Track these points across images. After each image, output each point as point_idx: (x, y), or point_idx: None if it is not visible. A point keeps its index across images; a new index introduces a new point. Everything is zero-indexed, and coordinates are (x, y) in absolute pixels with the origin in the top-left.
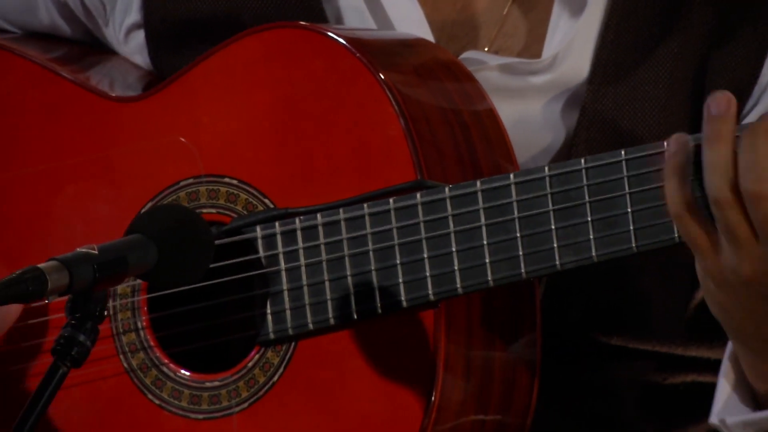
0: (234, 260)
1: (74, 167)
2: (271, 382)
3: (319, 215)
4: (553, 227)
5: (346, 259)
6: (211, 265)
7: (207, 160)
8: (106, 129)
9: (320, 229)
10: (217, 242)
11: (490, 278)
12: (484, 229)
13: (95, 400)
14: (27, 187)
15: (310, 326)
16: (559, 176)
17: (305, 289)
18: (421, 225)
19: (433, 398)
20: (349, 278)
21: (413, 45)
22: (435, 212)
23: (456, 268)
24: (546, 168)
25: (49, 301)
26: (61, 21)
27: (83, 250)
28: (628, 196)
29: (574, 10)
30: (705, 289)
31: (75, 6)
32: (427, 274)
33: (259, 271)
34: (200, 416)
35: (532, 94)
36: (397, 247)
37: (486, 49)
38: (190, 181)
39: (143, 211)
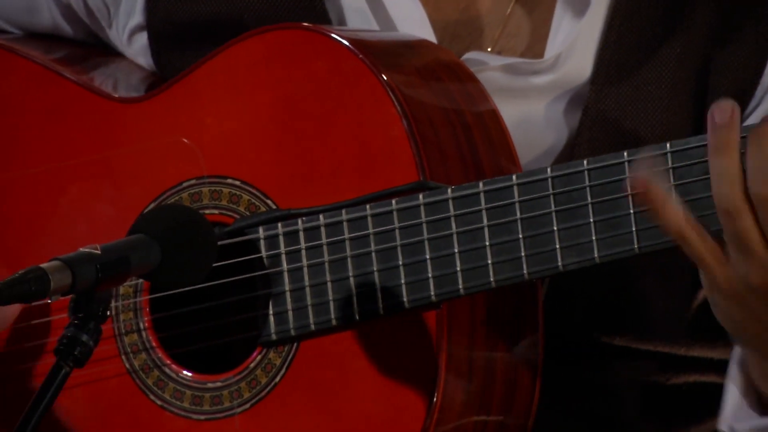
0: (236, 260)
1: (77, 167)
2: (273, 383)
3: (321, 216)
4: (555, 228)
5: (349, 260)
6: (214, 266)
7: (210, 161)
8: (109, 130)
9: (323, 230)
10: (219, 243)
11: (492, 279)
12: (486, 230)
13: (97, 401)
14: (30, 188)
15: (312, 327)
16: (561, 177)
17: (307, 289)
18: (424, 226)
19: (435, 399)
20: (352, 279)
21: (416, 46)
22: (437, 213)
23: (458, 269)
24: (548, 169)
25: (51, 301)
26: (64, 22)
27: (86, 250)
28: (630, 197)
29: (577, 10)
30: (712, 302)
31: (78, 8)
32: (430, 275)
33: (262, 272)
34: (202, 417)
35: (534, 95)
36: (399, 248)
37: (489, 49)
38: (193, 181)
39: (146, 211)
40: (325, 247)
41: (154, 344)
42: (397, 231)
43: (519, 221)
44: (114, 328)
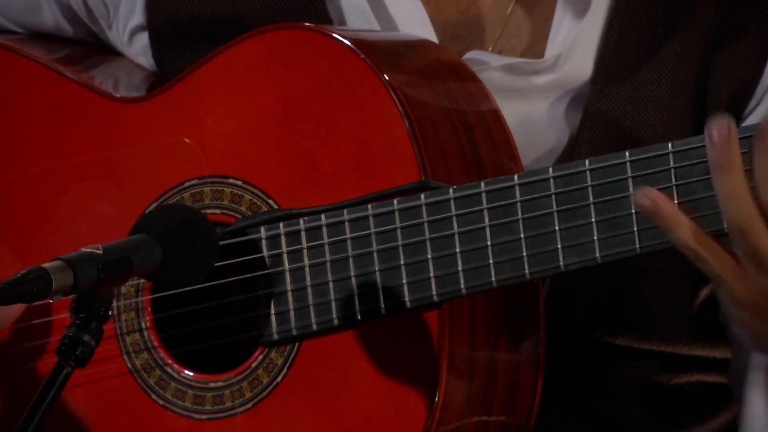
0: (238, 260)
1: (78, 167)
2: (274, 383)
3: (323, 216)
4: (557, 228)
5: (350, 259)
6: (216, 266)
7: (211, 161)
8: (110, 129)
9: (324, 229)
10: (221, 243)
11: (493, 279)
12: (488, 230)
13: (99, 401)
14: (31, 188)
15: (314, 327)
16: (563, 177)
17: (309, 289)
18: (425, 226)
19: (436, 399)
20: (353, 279)
21: (417, 46)
22: (439, 213)
23: (460, 269)
24: (550, 169)
25: (53, 300)
26: (65, 22)
27: (88, 249)
28: (632, 197)
29: (577, 10)
30: (730, 314)
31: (78, 7)
32: (431, 274)
33: (263, 272)
34: (204, 416)
35: (535, 95)
36: (401, 248)
37: (490, 49)
38: (195, 181)
39: (148, 211)
40: (326, 247)
41: (155, 344)
42: (398, 231)
43: (520, 221)
44: (116, 328)
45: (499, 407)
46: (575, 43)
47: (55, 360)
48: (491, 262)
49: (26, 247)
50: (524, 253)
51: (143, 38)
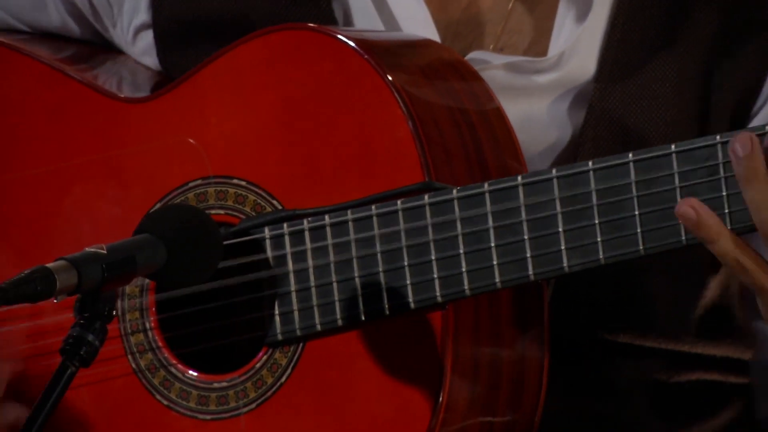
0: (242, 260)
1: (83, 167)
2: (278, 383)
3: (327, 216)
4: (560, 230)
5: (354, 260)
6: (220, 266)
7: (215, 161)
8: (114, 129)
9: (328, 230)
10: (225, 243)
11: (497, 280)
12: (491, 231)
13: (103, 401)
14: (35, 187)
15: (318, 327)
16: (566, 178)
17: (313, 290)
18: (429, 227)
19: (440, 399)
20: (357, 279)
21: (419, 45)
22: (443, 214)
23: (464, 269)
24: (554, 170)
25: (57, 300)
26: (71, 21)
27: (92, 249)
28: (635, 198)
29: (580, 9)
30: None
31: (83, 5)
32: (435, 275)
33: (268, 272)
34: (208, 417)
35: (538, 93)
36: (404, 249)
37: (491, 46)
38: (199, 182)
39: (152, 211)
40: (330, 248)
41: (160, 344)
42: (402, 231)
43: (524, 222)
44: (120, 328)
45: (503, 407)
46: (578, 42)
47: (59, 360)
48: (495, 263)
49: (30, 248)
50: (528, 255)
51: (147, 37)
